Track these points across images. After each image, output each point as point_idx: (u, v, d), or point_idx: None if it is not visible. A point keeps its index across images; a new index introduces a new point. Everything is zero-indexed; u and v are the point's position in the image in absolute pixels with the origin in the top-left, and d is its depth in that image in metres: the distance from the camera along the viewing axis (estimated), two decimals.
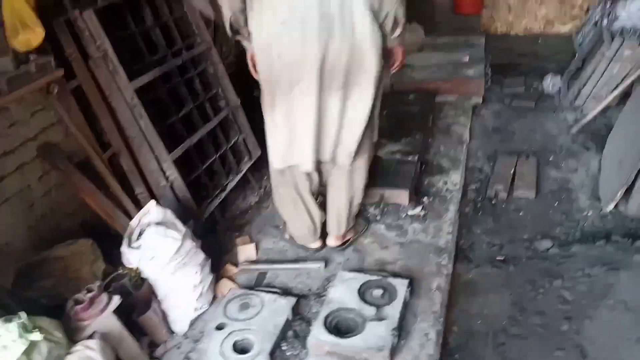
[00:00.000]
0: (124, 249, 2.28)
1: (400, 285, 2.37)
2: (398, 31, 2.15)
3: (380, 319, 2.21)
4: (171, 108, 2.86)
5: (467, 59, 4.72)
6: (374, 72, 2.12)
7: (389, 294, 2.35)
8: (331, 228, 2.65)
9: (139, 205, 2.78)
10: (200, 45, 3.09)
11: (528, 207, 3.23)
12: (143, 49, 2.74)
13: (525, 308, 2.49)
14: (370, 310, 2.26)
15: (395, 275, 2.50)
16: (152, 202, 2.43)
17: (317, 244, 2.73)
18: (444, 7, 7.02)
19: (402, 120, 3.76)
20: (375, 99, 2.22)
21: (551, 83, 4.66)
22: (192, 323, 2.40)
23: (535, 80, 4.87)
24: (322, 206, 2.63)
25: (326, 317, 2.25)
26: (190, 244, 2.36)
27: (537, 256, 2.79)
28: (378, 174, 3.11)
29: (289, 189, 2.49)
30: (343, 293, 2.37)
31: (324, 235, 2.72)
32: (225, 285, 2.56)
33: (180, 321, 2.37)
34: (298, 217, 2.60)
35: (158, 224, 2.33)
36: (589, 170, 3.48)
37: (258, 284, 2.58)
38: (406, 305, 2.33)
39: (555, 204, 3.22)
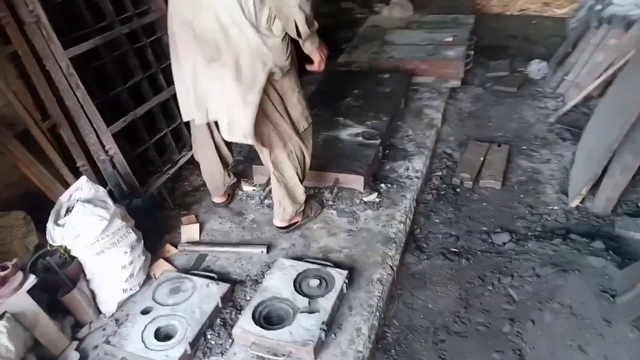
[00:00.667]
0: (49, 225, 2.18)
1: (339, 276, 2.27)
2: (305, 35, 2.10)
3: (311, 311, 2.11)
4: (118, 78, 2.71)
5: (450, 39, 4.53)
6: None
7: (326, 284, 2.25)
8: (274, 212, 2.54)
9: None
10: (155, 12, 2.92)
11: (492, 198, 3.10)
12: (86, 16, 2.58)
13: (471, 305, 2.38)
14: (303, 302, 2.16)
15: (337, 264, 2.40)
16: (83, 178, 2.32)
17: (217, 198, 2.83)
18: None
19: (372, 101, 3.62)
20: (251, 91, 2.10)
21: (537, 68, 4.49)
22: (122, 304, 2.31)
23: (522, 64, 4.70)
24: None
25: (257, 307, 2.16)
26: (119, 223, 2.25)
27: (492, 250, 2.68)
28: (335, 157, 2.99)
29: (199, 137, 2.55)
30: (279, 281, 2.27)
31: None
32: (161, 266, 2.46)
33: (108, 302, 2.28)
34: (204, 166, 2.66)
35: (87, 201, 2.22)
36: (562, 162, 3.34)
37: (195, 267, 2.48)
38: (342, 298, 2.23)
39: (521, 196, 3.09)
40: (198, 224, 2.71)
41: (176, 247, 2.60)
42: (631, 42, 3.56)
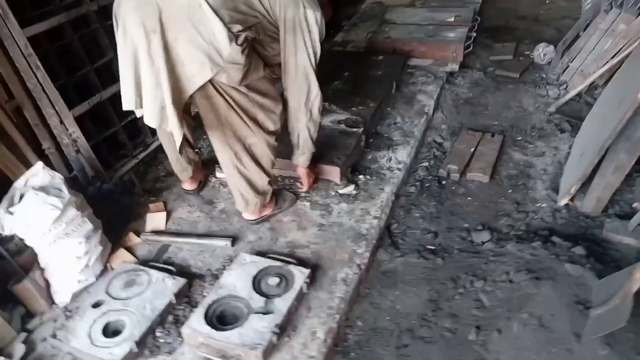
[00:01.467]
0: (0, 212, 2.10)
1: (300, 275, 2.17)
2: (301, 150, 2.40)
3: (266, 312, 2.02)
4: (85, 58, 2.60)
5: (452, 19, 4.30)
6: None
7: (286, 283, 2.15)
8: (237, 204, 2.43)
9: (48, 162, 2.60)
10: None
11: (478, 192, 2.95)
12: None
13: (441, 308, 2.27)
14: (259, 301, 2.07)
15: (302, 261, 2.30)
16: (39, 164, 2.24)
17: (187, 185, 2.73)
18: None
19: (361, 85, 3.46)
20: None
21: (542, 53, 4.25)
22: (76, 295, 2.24)
23: (528, 47, 4.46)
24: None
25: (211, 305, 2.08)
26: (74, 212, 2.17)
27: (470, 249, 2.54)
28: None
29: None
30: (237, 278, 2.18)
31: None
32: (121, 257, 2.39)
33: (61, 292, 2.22)
34: (166, 147, 2.54)
35: (40, 188, 2.14)
36: (557, 155, 3.16)
37: (156, 259, 2.40)
38: (301, 298, 2.13)
39: (509, 191, 2.93)
40: (165, 212, 2.62)
41: (140, 235, 2.51)
42: None
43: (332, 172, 2.72)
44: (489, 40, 4.71)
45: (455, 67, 3.94)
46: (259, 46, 2.08)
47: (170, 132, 2.24)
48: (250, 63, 1.99)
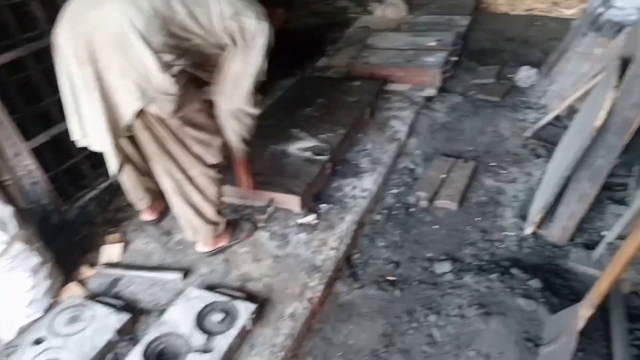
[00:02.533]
0: None
1: (244, 311, 2.12)
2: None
3: (205, 350, 1.98)
4: (48, 89, 2.62)
5: (433, 43, 4.28)
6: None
7: (230, 319, 2.11)
8: (186, 233, 2.39)
9: (6, 193, 2.60)
10: None
11: (446, 220, 2.89)
12: (10, 25, 2.49)
13: (394, 343, 2.20)
14: (200, 339, 2.02)
15: (251, 296, 2.25)
16: None
17: (146, 214, 2.69)
18: None
19: (333, 112, 3.44)
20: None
21: (526, 76, 4.20)
22: (23, 330, 2.21)
23: (513, 70, 4.41)
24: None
25: (151, 342, 2.03)
26: (20, 247, 2.15)
27: (429, 280, 2.47)
28: (275, 174, 2.83)
29: None
30: (181, 314, 2.14)
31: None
32: (71, 290, 2.36)
33: (6, 327, 2.19)
34: (121, 178, 2.48)
35: None
36: (529, 182, 3.09)
37: (106, 292, 2.37)
38: (244, 335, 2.08)
39: (477, 219, 2.86)
40: (121, 244, 2.60)
41: (93, 268, 2.48)
42: (615, 52, 3.25)
43: (292, 201, 2.68)
44: (474, 63, 4.68)
45: (433, 91, 3.91)
46: (199, 71, 2.04)
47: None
48: (185, 94, 1.96)
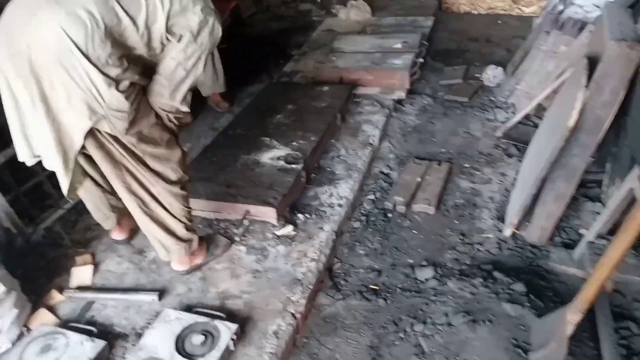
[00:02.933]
0: None
1: (226, 331, 2.04)
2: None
3: None
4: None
5: (399, 45, 4.28)
6: None
7: (212, 341, 2.02)
8: (158, 253, 2.29)
9: None
10: None
11: (424, 224, 2.87)
12: None
13: (381, 355, 2.16)
14: None
15: (232, 314, 2.18)
16: None
17: (115, 234, 2.59)
18: None
19: (303, 118, 3.38)
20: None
21: (492, 75, 4.23)
22: None
23: (479, 69, 4.43)
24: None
25: None
26: None
27: (413, 288, 2.45)
28: (248, 185, 2.75)
29: None
30: (159, 338, 2.04)
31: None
32: (40, 317, 2.24)
33: None
34: (83, 196, 2.35)
35: None
36: (504, 182, 3.10)
37: (79, 318, 2.25)
38: (227, 356, 2.00)
39: (455, 222, 2.86)
40: (91, 266, 2.48)
41: (63, 292, 2.36)
42: (580, 50, 3.31)
43: (269, 213, 2.61)
44: (440, 64, 4.70)
45: (402, 94, 3.90)
46: (147, 80, 1.92)
47: (81, 174, 2.13)
48: (138, 110, 1.87)
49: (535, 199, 2.55)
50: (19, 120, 1.82)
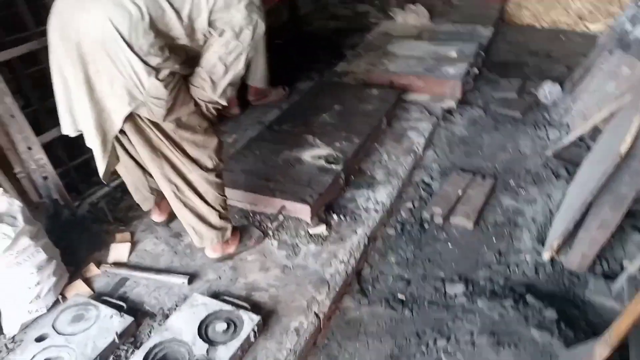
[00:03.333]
0: None
1: (249, 322, 2.07)
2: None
3: None
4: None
5: (454, 53, 4.20)
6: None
7: (234, 330, 2.06)
8: (192, 238, 2.35)
9: (18, 186, 2.59)
10: None
11: (461, 239, 2.82)
12: (26, 18, 2.47)
13: None
14: (202, 348, 1.98)
15: (257, 306, 2.20)
16: None
17: (155, 215, 2.67)
18: None
19: (349, 119, 3.38)
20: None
21: (548, 91, 4.10)
22: (25, 326, 2.19)
23: (535, 85, 4.29)
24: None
25: (152, 348, 1.99)
26: (26, 242, 2.13)
27: (440, 302, 2.41)
28: (287, 181, 2.78)
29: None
30: (184, 321, 2.09)
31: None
32: (76, 288, 2.33)
33: (10, 322, 2.17)
34: (125, 178, 2.49)
35: None
36: (549, 204, 3.00)
37: (112, 292, 2.34)
38: (247, 347, 2.03)
39: (493, 240, 2.79)
40: (129, 243, 2.57)
41: (100, 266, 2.45)
42: None
43: (303, 211, 2.63)
44: (495, 76, 4.59)
45: (452, 103, 3.83)
46: (188, 69, 1.97)
47: (124, 154, 2.20)
48: (177, 98, 1.91)
49: (579, 224, 2.46)
50: (66, 96, 1.91)
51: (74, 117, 1.95)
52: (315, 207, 2.63)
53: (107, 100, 1.84)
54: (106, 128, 1.90)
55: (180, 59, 1.90)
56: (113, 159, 2.09)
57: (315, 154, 3.02)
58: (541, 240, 2.72)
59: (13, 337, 2.15)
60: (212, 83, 1.95)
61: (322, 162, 2.93)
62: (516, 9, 6.25)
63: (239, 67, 1.96)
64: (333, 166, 2.89)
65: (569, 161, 3.33)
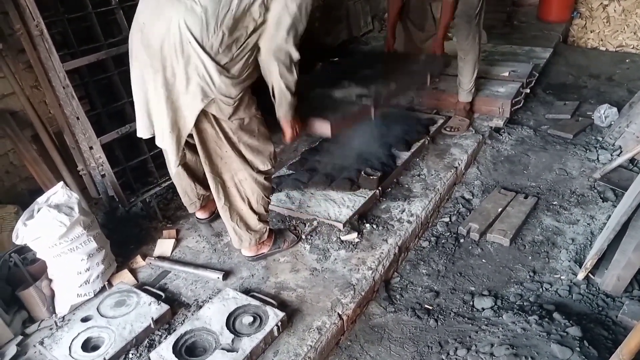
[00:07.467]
0: (18, 223, 2.33)
1: (274, 317, 2.18)
2: (278, 102, 2.21)
3: (231, 349, 2.05)
4: (122, 91, 2.86)
5: (506, 74, 4.19)
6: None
7: (260, 323, 2.18)
8: (231, 239, 2.51)
9: (80, 183, 2.86)
10: None
11: (495, 255, 2.81)
12: (97, 30, 2.75)
13: None
14: (228, 338, 2.10)
15: (283, 304, 2.32)
16: (60, 183, 2.46)
17: (199, 213, 2.83)
18: (527, 11, 6.37)
19: (391, 74, 3.29)
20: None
21: (604, 114, 3.99)
22: (74, 308, 2.40)
23: (593, 108, 4.20)
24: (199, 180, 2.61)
25: (183, 334, 2.14)
26: (80, 231, 2.35)
27: (466, 314, 2.42)
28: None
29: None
30: (214, 312, 2.24)
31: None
32: (122, 277, 2.54)
33: (62, 303, 2.39)
34: (175, 181, 2.64)
35: (55, 206, 2.35)
36: (591, 225, 2.93)
37: (153, 283, 2.52)
38: (270, 340, 2.14)
39: (528, 258, 2.76)
40: (174, 240, 2.76)
41: (145, 259, 2.65)
42: None
43: (323, 126, 2.61)
44: (551, 97, 4.53)
45: (500, 122, 3.82)
46: (254, 70, 2.12)
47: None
48: (242, 99, 2.09)
49: (614, 244, 2.40)
50: (145, 100, 2.12)
51: (151, 120, 2.16)
52: (335, 126, 2.62)
53: (182, 100, 2.03)
54: (180, 125, 2.09)
55: (246, 63, 2.05)
56: (182, 156, 2.29)
57: (348, 93, 2.97)
58: (579, 261, 2.67)
59: (63, 317, 2.37)
60: (280, 33, 2.01)
61: (352, 98, 2.92)
62: (581, 32, 6.13)
63: (303, 21, 2.03)
64: (363, 99, 2.90)
65: (617, 185, 3.23)
